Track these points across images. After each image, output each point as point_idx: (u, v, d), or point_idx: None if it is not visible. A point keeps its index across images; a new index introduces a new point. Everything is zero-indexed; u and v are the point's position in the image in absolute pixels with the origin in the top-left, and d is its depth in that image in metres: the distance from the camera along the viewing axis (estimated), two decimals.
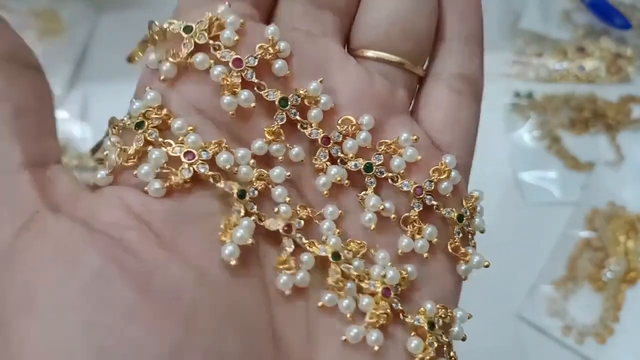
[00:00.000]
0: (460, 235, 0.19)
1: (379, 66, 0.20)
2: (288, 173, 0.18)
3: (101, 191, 0.17)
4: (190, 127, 0.17)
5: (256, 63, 0.17)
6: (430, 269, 0.19)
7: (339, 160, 0.18)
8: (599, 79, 0.54)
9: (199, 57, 0.17)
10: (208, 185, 0.17)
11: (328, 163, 0.18)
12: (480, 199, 0.20)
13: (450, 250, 0.19)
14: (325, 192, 0.18)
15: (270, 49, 0.18)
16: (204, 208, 0.16)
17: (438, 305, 0.18)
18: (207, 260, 0.16)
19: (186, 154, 0.16)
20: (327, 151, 0.18)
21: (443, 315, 0.18)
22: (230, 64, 0.17)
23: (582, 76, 0.54)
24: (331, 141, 0.18)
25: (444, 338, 0.18)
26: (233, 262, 0.15)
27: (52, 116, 0.17)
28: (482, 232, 0.20)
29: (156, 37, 0.18)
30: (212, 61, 0.17)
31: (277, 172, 0.17)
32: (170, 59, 0.17)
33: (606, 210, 0.46)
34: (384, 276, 0.17)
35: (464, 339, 0.19)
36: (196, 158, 0.16)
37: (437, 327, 0.17)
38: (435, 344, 0.17)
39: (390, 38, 0.19)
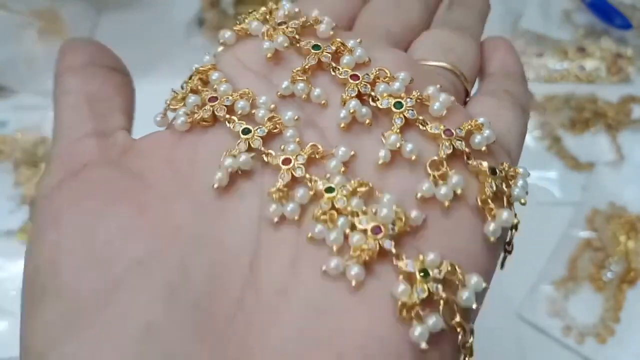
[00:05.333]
0: (494, 189, 0.18)
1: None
2: (296, 116, 0.18)
3: (143, 140, 0.20)
4: (224, 79, 0.20)
5: (298, 26, 0.20)
6: (449, 222, 0.17)
7: (370, 99, 0.19)
8: (599, 79, 0.54)
9: (254, 24, 0.21)
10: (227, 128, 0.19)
11: (355, 99, 0.19)
12: (525, 175, 0.19)
13: (479, 203, 0.18)
14: (342, 125, 0.18)
15: (312, 21, 0.21)
16: (219, 146, 0.18)
17: (446, 261, 0.16)
18: (206, 193, 0.18)
19: (211, 98, 0.19)
20: (356, 87, 0.19)
21: (448, 271, 0.16)
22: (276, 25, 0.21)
23: (582, 76, 0.54)
24: (360, 78, 0.19)
25: (442, 293, 0.16)
26: (215, 186, 0.17)
27: (125, 99, 0.22)
28: (522, 204, 0.19)
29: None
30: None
31: (289, 115, 0.19)
32: (234, 29, 0.21)
33: (606, 210, 0.46)
34: (375, 213, 0.16)
35: (475, 309, 0.16)
36: (217, 102, 0.19)
37: (431, 276, 0.16)
38: (425, 293, 0.16)
39: (436, 52, 0.22)
